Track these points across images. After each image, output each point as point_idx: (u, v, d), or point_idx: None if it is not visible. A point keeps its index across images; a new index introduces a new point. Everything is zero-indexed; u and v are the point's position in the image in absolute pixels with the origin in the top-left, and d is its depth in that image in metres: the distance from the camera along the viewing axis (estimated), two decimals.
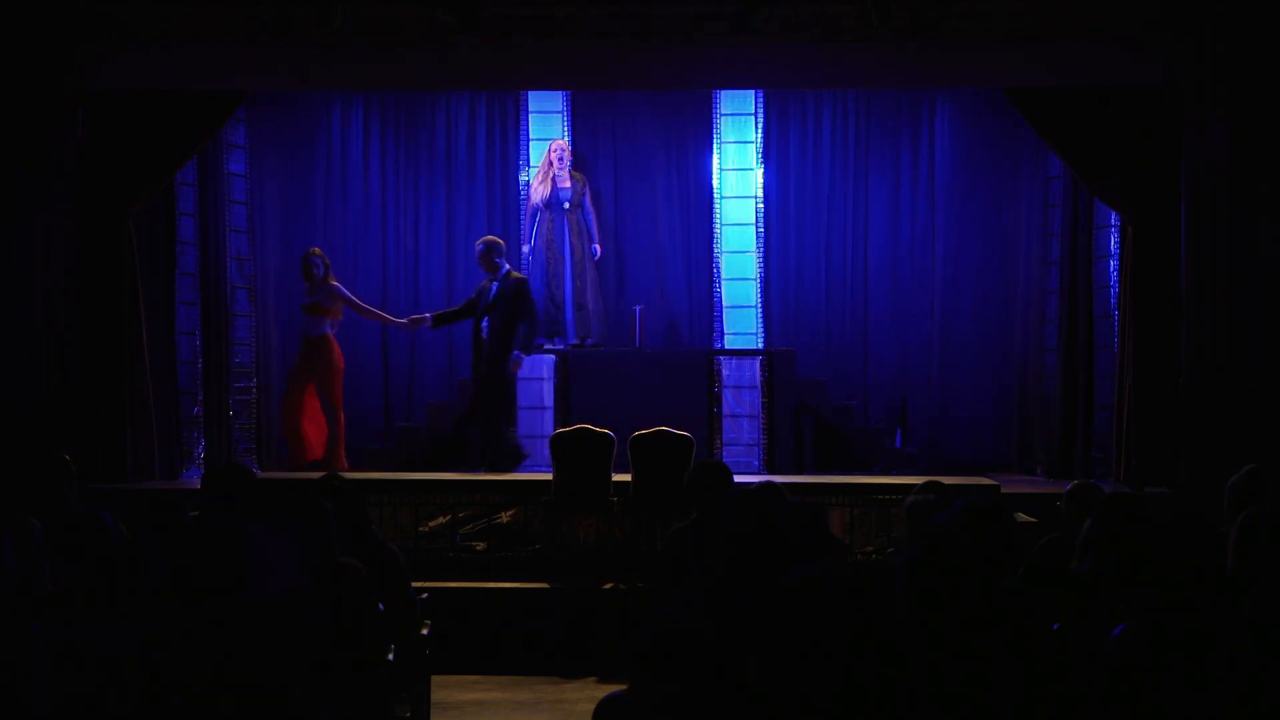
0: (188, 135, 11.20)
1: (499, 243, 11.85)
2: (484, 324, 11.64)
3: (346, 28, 10.44)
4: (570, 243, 12.88)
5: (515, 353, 11.48)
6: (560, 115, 13.43)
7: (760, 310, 13.31)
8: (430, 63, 11.08)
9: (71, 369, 10.82)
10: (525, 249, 13.04)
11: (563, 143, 13.01)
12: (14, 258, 10.66)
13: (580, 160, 13.18)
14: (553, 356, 12.35)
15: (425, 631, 6.89)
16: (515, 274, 11.77)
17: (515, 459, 11.51)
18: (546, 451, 10.60)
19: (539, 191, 12.93)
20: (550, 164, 12.90)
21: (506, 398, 11.70)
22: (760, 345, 13.08)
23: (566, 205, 12.84)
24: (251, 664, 4.39)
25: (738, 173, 13.40)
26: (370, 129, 13.51)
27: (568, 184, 12.86)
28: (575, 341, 12.73)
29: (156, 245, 11.68)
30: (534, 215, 13.03)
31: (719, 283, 13.35)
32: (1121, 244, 11.16)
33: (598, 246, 12.93)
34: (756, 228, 13.34)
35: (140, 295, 11.16)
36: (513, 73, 11.31)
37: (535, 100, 13.41)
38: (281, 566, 5.01)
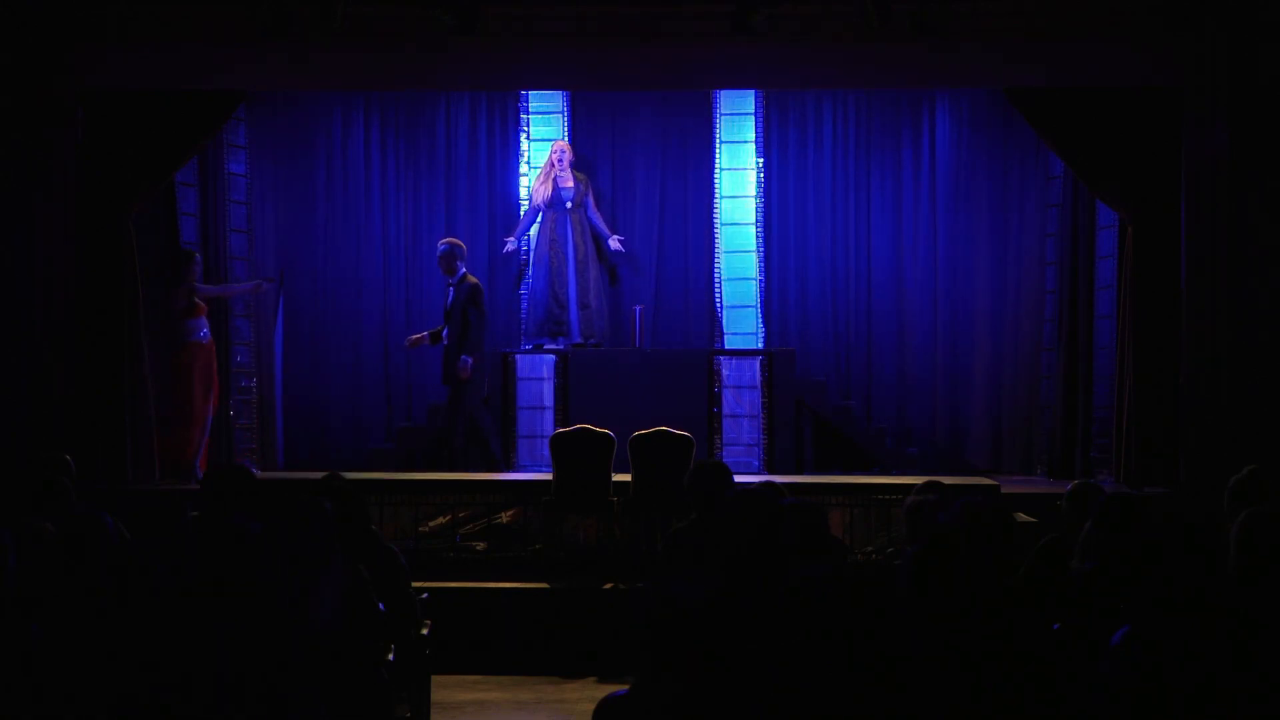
0: (187, 135, 11.19)
1: (461, 245, 11.96)
2: (444, 330, 11.91)
3: (346, 28, 10.44)
4: (574, 242, 12.85)
5: (464, 358, 11.59)
6: (560, 115, 13.41)
7: (760, 310, 13.29)
8: (430, 63, 11.08)
9: (72, 370, 10.81)
10: (509, 243, 12.98)
11: (564, 143, 13.00)
12: (14, 258, 10.66)
13: (580, 160, 13.16)
14: (553, 356, 12.34)
15: (425, 631, 6.89)
16: (470, 278, 11.91)
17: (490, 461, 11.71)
18: (546, 451, 10.61)
19: (540, 192, 12.91)
20: (552, 165, 12.89)
21: (460, 402, 11.72)
22: (760, 345, 13.06)
23: (569, 205, 12.82)
24: (253, 666, 4.39)
25: (738, 172, 13.38)
26: (370, 129, 13.48)
27: (570, 184, 12.85)
28: (580, 341, 12.72)
29: (157, 246, 11.69)
30: (533, 215, 13.02)
31: (719, 283, 13.33)
32: (1121, 244, 11.16)
33: (615, 240, 12.91)
34: (756, 228, 13.31)
35: (140, 296, 11.15)
36: (513, 73, 11.32)
37: (535, 100, 13.39)
38: (331, 595, 5.05)
